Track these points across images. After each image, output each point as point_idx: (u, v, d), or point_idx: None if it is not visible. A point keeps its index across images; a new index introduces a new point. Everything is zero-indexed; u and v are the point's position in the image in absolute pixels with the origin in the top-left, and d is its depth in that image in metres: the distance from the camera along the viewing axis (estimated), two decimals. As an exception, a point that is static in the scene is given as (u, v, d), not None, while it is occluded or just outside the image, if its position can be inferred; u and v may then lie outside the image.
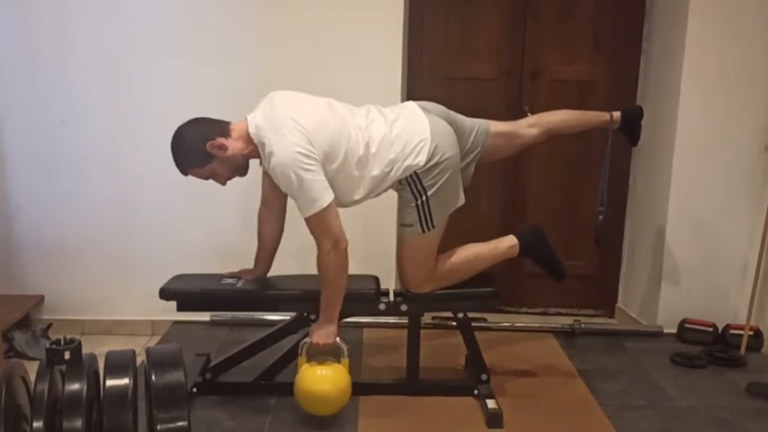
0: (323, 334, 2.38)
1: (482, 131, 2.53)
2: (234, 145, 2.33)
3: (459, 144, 2.45)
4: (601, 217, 2.91)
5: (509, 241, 2.62)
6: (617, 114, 2.76)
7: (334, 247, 2.28)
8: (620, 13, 3.40)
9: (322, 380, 2.35)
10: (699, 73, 3.11)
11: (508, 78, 3.46)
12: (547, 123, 2.68)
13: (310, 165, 2.22)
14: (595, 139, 3.24)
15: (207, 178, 2.40)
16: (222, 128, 2.35)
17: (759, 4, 3.07)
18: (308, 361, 2.40)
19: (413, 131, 2.38)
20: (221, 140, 2.32)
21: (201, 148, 2.31)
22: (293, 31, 3.13)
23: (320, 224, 2.27)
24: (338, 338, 2.41)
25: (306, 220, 2.28)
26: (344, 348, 2.42)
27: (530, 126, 2.66)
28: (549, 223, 3.53)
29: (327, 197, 2.25)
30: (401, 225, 2.46)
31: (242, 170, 2.41)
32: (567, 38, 3.42)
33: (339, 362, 2.41)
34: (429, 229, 2.42)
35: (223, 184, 2.44)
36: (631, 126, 2.81)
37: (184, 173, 2.39)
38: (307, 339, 2.41)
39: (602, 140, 3.19)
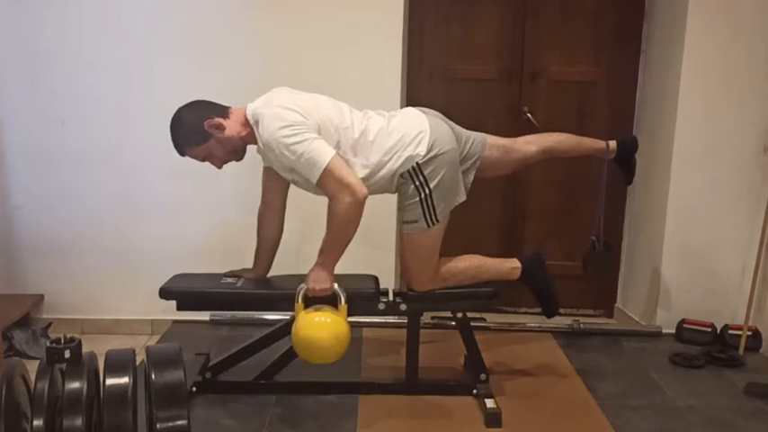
0: (319, 279, 2.35)
1: (479, 141, 2.55)
2: (231, 126, 2.37)
3: (457, 143, 2.46)
4: (593, 245, 2.94)
5: (513, 263, 2.65)
6: (613, 144, 2.79)
7: (352, 196, 2.25)
8: (620, 13, 3.40)
9: (319, 327, 2.30)
10: (698, 73, 3.11)
11: (508, 79, 3.46)
12: (544, 143, 2.71)
13: (301, 130, 2.23)
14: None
15: (203, 159, 2.43)
16: (221, 110, 2.40)
17: (759, 4, 3.07)
18: (305, 308, 2.36)
19: (411, 125, 2.41)
20: (219, 120, 2.36)
21: (199, 127, 2.35)
22: (293, 31, 3.13)
23: (332, 180, 2.25)
24: (336, 284, 2.37)
25: (317, 184, 2.28)
26: (342, 295, 2.37)
27: (527, 143, 2.69)
28: (548, 224, 3.57)
29: (328, 153, 2.24)
30: (404, 222, 2.46)
31: (238, 154, 2.44)
32: (567, 38, 3.42)
33: (337, 309, 2.36)
34: (433, 224, 2.42)
35: (219, 166, 2.46)
36: (626, 158, 2.82)
37: (181, 153, 2.42)
38: (303, 285, 2.38)
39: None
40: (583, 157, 2.90)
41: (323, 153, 2.24)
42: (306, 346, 2.32)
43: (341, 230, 2.31)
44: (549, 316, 2.72)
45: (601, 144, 2.78)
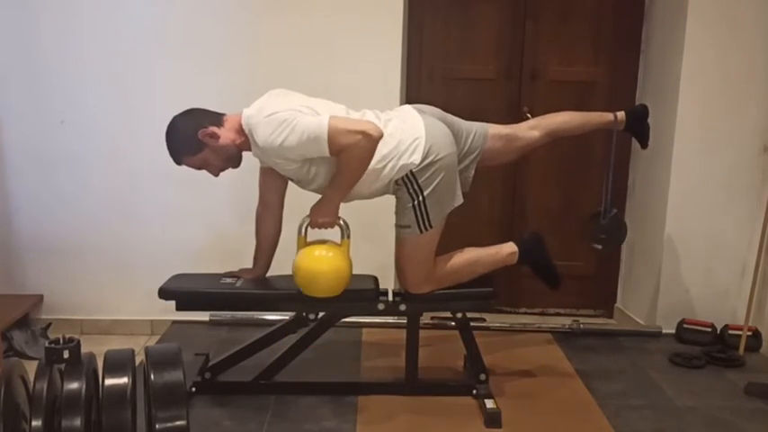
0: (324, 211, 2.35)
1: (480, 134, 2.54)
2: (226, 135, 2.36)
3: (456, 145, 2.44)
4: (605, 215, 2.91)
5: (509, 248, 2.63)
6: (621, 114, 2.72)
7: (368, 140, 2.22)
8: (620, 13, 3.40)
9: (320, 260, 2.31)
10: (698, 74, 3.11)
11: (508, 79, 3.46)
12: (548, 126, 2.66)
13: (288, 123, 2.21)
14: (595, 138, 3.24)
15: (199, 168, 2.42)
16: (215, 118, 2.39)
17: (758, 5, 3.07)
18: (307, 241, 2.35)
19: (407, 130, 2.38)
20: (213, 129, 2.35)
21: (194, 137, 2.34)
22: (293, 33, 3.13)
23: (339, 137, 2.20)
24: (340, 218, 2.36)
25: (331, 154, 2.24)
26: (346, 229, 2.36)
27: (530, 128, 2.65)
28: (547, 224, 3.57)
29: (322, 121, 2.21)
30: (399, 226, 2.45)
31: (234, 161, 2.43)
32: (567, 38, 3.42)
33: (339, 243, 2.36)
34: (426, 230, 2.41)
35: (215, 174, 2.45)
36: (638, 126, 2.76)
37: (177, 162, 2.42)
38: (307, 218, 2.37)
39: (602, 140, 3.20)
40: (588, 135, 2.86)
41: (318, 124, 2.21)
42: (305, 277, 2.32)
43: (355, 170, 2.28)
44: (555, 287, 2.69)
45: (609, 117, 2.71)
